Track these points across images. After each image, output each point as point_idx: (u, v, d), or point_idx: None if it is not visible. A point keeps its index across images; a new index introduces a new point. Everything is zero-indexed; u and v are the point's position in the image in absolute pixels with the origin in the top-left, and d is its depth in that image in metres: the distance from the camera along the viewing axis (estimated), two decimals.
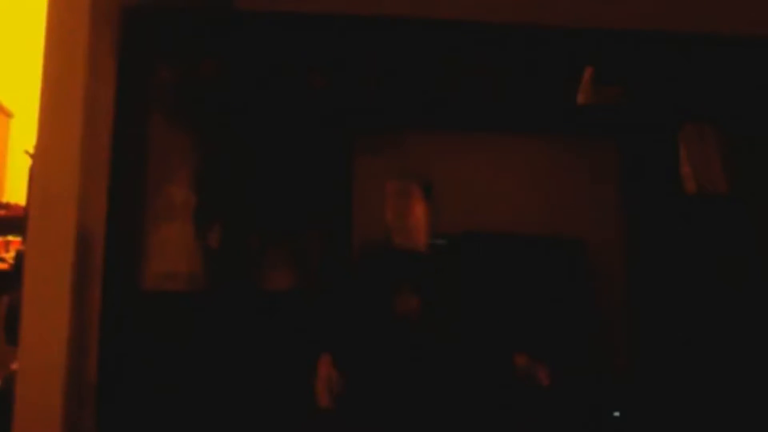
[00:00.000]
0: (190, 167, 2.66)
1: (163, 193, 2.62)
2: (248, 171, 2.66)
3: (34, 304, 2.12)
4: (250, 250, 2.63)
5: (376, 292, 2.28)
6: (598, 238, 2.82)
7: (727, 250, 2.75)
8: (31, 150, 2.49)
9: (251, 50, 2.68)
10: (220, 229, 2.63)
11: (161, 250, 2.59)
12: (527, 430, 2.47)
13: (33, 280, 2.14)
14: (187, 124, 2.67)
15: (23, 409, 2.09)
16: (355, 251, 2.61)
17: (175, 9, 2.60)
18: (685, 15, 2.90)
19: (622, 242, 2.90)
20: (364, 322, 2.26)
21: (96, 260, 2.41)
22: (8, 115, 5.23)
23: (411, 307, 2.23)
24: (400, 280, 2.28)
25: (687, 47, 2.82)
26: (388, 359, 2.20)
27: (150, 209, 2.59)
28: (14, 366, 2.21)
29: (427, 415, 2.16)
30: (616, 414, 2.58)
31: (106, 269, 2.45)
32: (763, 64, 2.85)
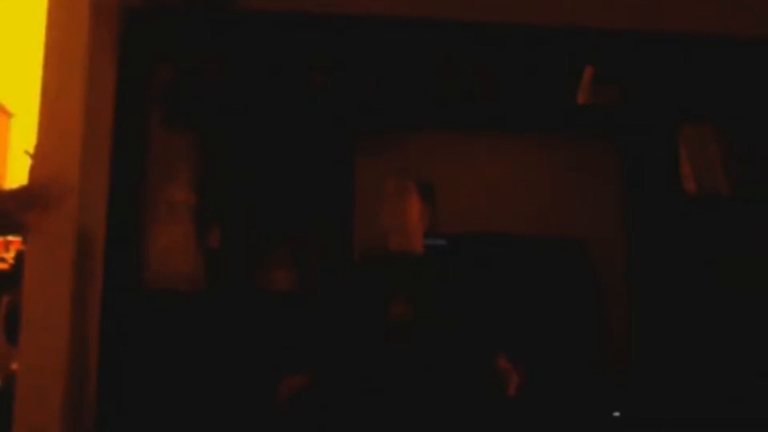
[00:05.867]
0: (191, 167, 2.66)
1: (164, 192, 2.62)
2: (248, 171, 2.66)
3: (34, 304, 2.12)
4: (250, 250, 2.63)
5: (370, 298, 2.25)
6: (599, 238, 2.82)
7: (727, 250, 2.75)
8: (31, 150, 2.49)
9: (251, 50, 2.68)
10: (220, 229, 2.63)
11: (161, 250, 2.59)
12: (528, 429, 2.47)
13: (33, 280, 2.13)
14: (187, 124, 2.67)
15: (23, 409, 2.09)
16: (356, 251, 2.61)
17: (176, 9, 2.60)
18: (685, 15, 2.90)
19: (622, 242, 2.90)
20: (357, 329, 2.24)
21: (96, 260, 2.41)
22: (8, 115, 5.23)
23: (404, 314, 2.20)
24: (394, 286, 2.25)
25: (687, 47, 2.82)
26: (380, 366, 2.19)
27: (150, 209, 2.59)
28: (14, 366, 2.21)
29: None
30: (616, 414, 2.58)
31: (106, 269, 2.45)
32: (763, 64, 2.85)
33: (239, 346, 2.50)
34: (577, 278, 2.74)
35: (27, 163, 2.99)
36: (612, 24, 2.82)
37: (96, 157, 2.37)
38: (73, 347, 2.19)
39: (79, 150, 2.20)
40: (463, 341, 2.25)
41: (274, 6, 2.64)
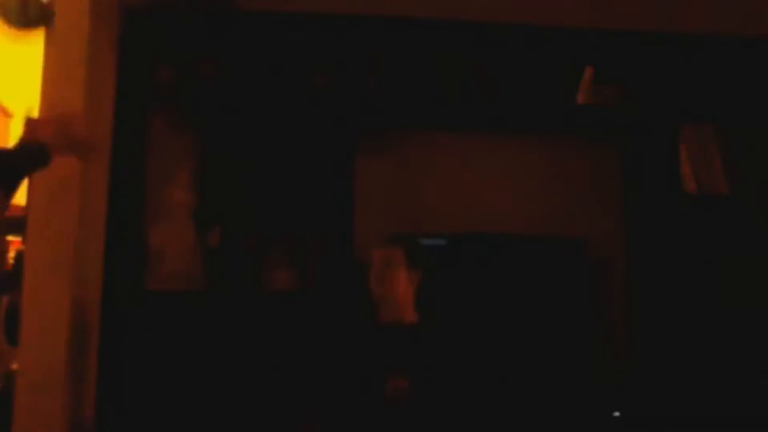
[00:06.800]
0: (191, 167, 2.66)
1: (164, 193, 2.62)
2: (249, 171, 2.66)
3: (34, 304, 2.12)
4: (250, 250, 2.63)
5: (365, 372, 2.24)
6: (599, 238, 2.82)
7: (727, 250, 2.75)
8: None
9: (252, 50, 2.68)
10: (220, 229, 2.63)
11: (161, 250, 2.59)
12: (528, 430, 2.47)
13: (33, 280, 2.13)
14: (187, 125, 2.67)
15: (23, 409, 2.09)
16: (356, 252, 2.61)
17: (176, 9, 2.60)
18: (686, 15, 2.90)
19: (622, 242, 2.90)
20: (354, 404, 2.23)
21: (96, 260, 2.41)
22: (8, 115, 5.23)
23: (401, 388, 2.20)
24: (388, 360, 2.24)
25: (687, 47, 2.82)
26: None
27: (150, 209, 2.59)
28: (14, 366, 2.21)
29: None
30: (616, 414, 2.58)
31: (105, 269, 2.45)
32: (763, 64, 2.85)
33: (239, 345, 2.50)
34: (577, 278, 2.74)
35: None
36: (612, 24, 2.82)
37: (96, 157, 2.37)
38: (73, 347, 2.19)
39: None
40: (463, 341, 2.25)
41: (274, 6, 2.64)
